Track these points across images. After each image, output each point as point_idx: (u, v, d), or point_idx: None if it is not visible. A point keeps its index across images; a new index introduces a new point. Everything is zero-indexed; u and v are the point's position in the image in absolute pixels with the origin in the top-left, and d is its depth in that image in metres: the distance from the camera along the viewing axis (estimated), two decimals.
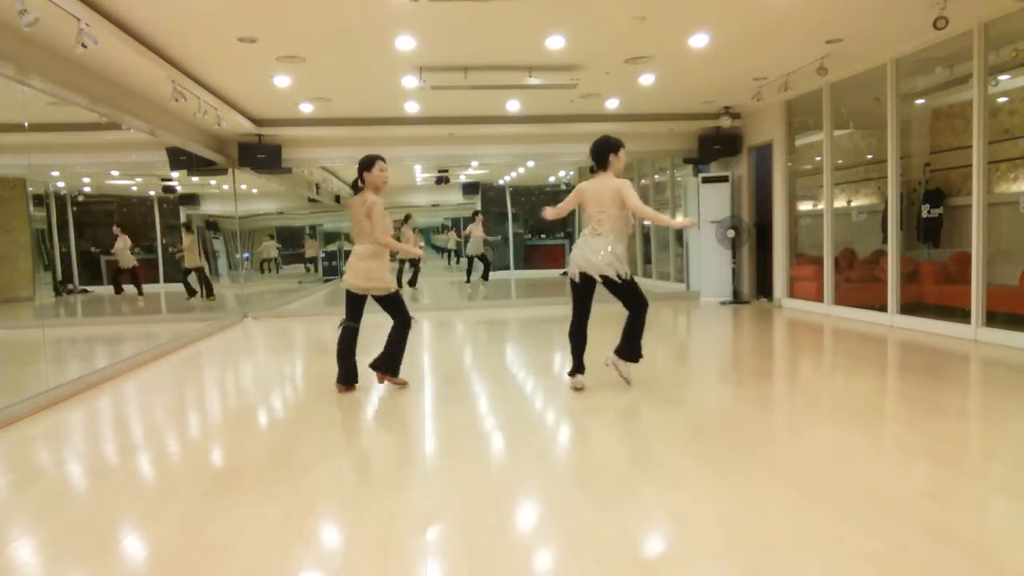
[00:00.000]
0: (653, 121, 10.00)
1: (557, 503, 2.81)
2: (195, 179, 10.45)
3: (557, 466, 3.34)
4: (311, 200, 15.31)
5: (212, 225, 12.48)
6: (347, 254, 17.16)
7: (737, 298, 10.44)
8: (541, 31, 6.06)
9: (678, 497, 2.82)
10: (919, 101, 7.84)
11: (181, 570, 2.32)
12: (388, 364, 4.98)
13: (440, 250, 20.75)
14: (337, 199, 16.34)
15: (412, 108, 9.03)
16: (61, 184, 9.56)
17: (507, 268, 13.77)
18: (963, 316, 6.44)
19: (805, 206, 9.46)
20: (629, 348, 4.78)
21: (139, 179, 10.73)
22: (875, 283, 7.78)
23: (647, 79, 7.78)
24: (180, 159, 8.91)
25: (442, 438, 3.84)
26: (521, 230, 16.84)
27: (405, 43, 6.16)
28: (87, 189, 10.20)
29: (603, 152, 4.70)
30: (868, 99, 7.84)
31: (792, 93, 8.49)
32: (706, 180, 10.59)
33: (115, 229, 9.71)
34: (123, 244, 9.68)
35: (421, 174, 14.70)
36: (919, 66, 7.28)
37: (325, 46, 6.23)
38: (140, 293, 9.95)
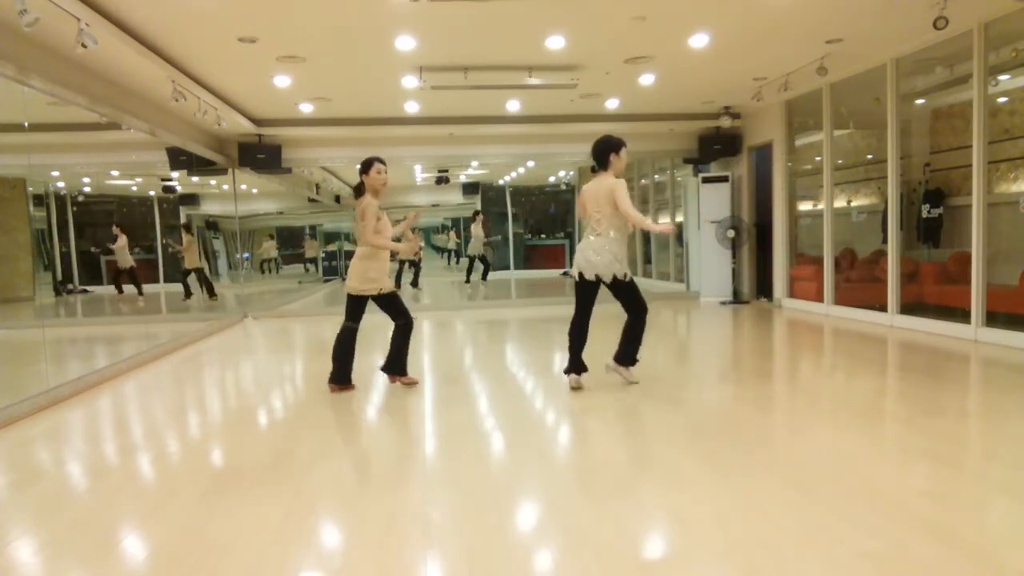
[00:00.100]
0: (653, 121, 10.00)
1: (557, 503, 2.81)
2: (195, 179, 10.45)
3: (557, 466, 3.34)
4: (311, 200, 15.31)
5: (212, 225, 12.48)
6: (347, 254, 17.06)
7: (737, 298, 10.44)
8: (541, 31, 6.06)
9: (678, 497, 2.82)
10: (919, 101, 7.84)
11: (181, 570, 2.32)
12: (394, 365, 5.03)
13: (440, 250, 20.75)
14: (337, 199, 16.34)
15: (412, 108, 9.03)
16: (61, 184, 9.56)
17: (507, 268, 13.77)
18: (963, 316, 6.44)
19: (805, 206, 9.47)
20: (626, 352, 4.82)
21: (139, 179, 10.73)
22: (875, 283, 7.78)
23: (647, 79, 7.78)
24: (180, 159, 8.91)
25: (442, 438, 3.84)
26: (521, 230, 16.84)
27: (405, 43, 6.16)
28: (87, 189, 10.20)
29: (604, 152, 4.69)
30: (868, 99, 7.84)
31: (792, 93, 8.49)
32: (706, 180, 10.59)
33: (114, 229, 9.71)
34: (122, 244, 9.67)
35: (421, 174, 14.69)
36: (919, 66, 7.28)
37: (325, 46, 6.23)
38: (140, 293, 9.95)
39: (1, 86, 5.04)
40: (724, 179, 10.51)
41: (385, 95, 8.29)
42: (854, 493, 2.79)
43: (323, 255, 18.14)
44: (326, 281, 16.98)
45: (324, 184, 14.68)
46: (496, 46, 6.47)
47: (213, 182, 10.52)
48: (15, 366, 6.63)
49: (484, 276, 13.79)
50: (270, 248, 16.93)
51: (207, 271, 11.02)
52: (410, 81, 7.45)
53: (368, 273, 4.81)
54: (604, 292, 4.70)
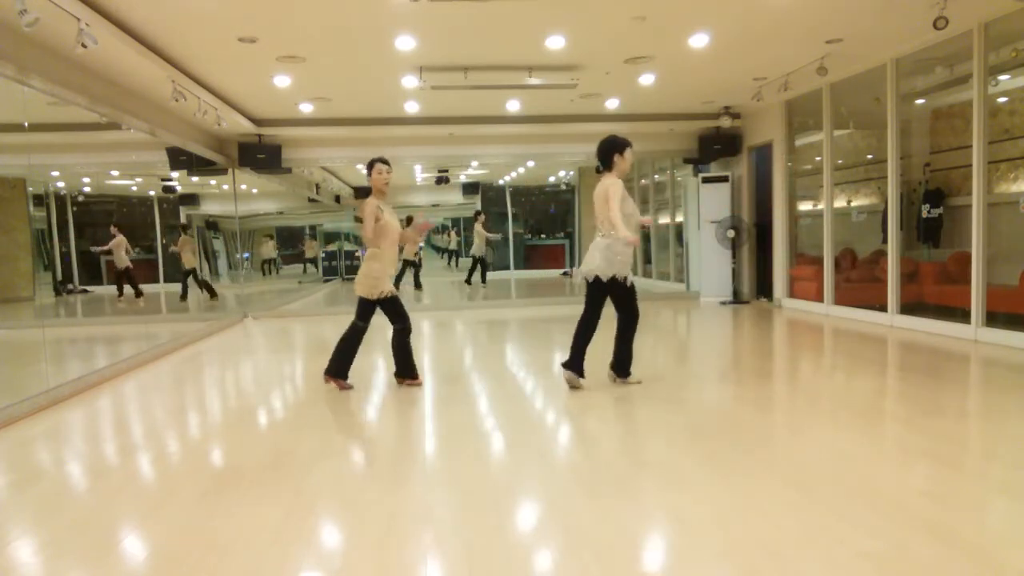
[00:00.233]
0: (653, 121, 10.00)
1: (557, 503, 2.81)
2: (195, 179, 10.46)
3: (557, 466, 3.34)
4: (311, 200, 15.32)
5: (212, 225, 12.48)
6: (347, 254, 17.05)
7: (737, 298, 10.44)
8: (541, 31, 6.06)
9: (678, 497, 2.82)
10: (919, 101, 7.84)
11: (181, 570, 2.32)
12: (400, 370, 5.07)
13: (440, 250, 20.75)
14: (337, 199, 16.35)
15: (412, 108, 9.03)
16: (61, 184, 9.56)
17: (507, 268, 13.76)
18: (963, 316, 6.44)
19: (805, 206, 9.47)
20: (620, 362, 4.86)
21: (139, 179, 10.74)
22: (875, 283, 7.78)
23: (647, 79, 7.78)
24: (180, 159, 8.91)
25: (442, 438, 3.84)
26: (521, 230, 16.84)
27: (405, 43, 6.16)
28: (87, 189, 10.21)
29: (607, 152, 4.71)
30: (868, 99, 7.84)
31: (792, 93, 8.49)
32: (706, 180, 10.59)
33: (112, 229, 9.70)
34: (118, 244, 9.63)
35: (421, 174, 14.70)
36: (919, 66, 7.28)
37: (325, 46, 6.23)
38: (138, 295, 9.91)
39: (1, 86, 5.05)
40: (724, 179, 10.51)
41: (385, 95, 8.29)
42: (854, 493, 2.79)
43: (323, 255, 18.15)
44: (326, 281, 16.98)
45: (324, 184, 14.68)
46: (496, 46, 6.47)
47: (213, 182, 10.53)
48: (15, 366, 6.63)
49: (483, 278, 13.77)
50: (269, 248, 16.94)
51: (198, 273, 10.94)
52: (410, 81, 7.45)
53: (371, 274, 4.82)
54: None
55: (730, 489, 2.89)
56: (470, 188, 16.28)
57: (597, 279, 4.63)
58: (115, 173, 10.23)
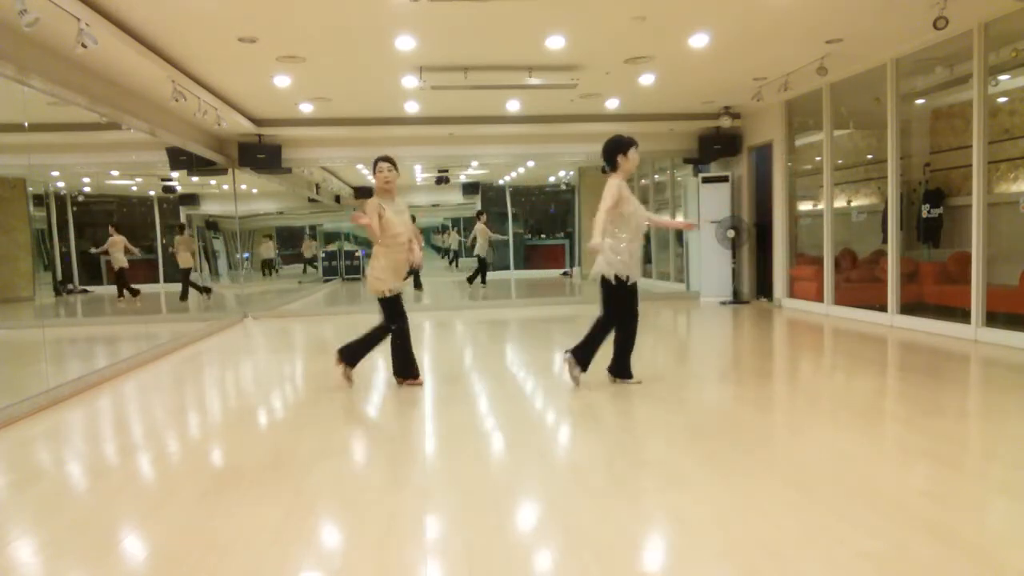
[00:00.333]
0: (653, 121, 10.00)
1: (557, 503, 2.81)
2: (195, 179, 10.45)
3: (557, 466, 3.34)
4: (311, 200, 15.32)
5: (212, 225, 12.48)
6: (347, 254, 16.98)
7: (737, 298, 10.44)
8: (541, 31, 6.06)
9: (678, 497, 2.82)
10: (919, 101, 7.84)
11: (181, 570, 2.32)
12: (397, 369, 5.09)
13: (440, 250, 20.75)
14: (337, 199, 16.35)
15: (412, 108, 9.03)
16: (61, 184, 9.56)
17: (507, 268, 13.75)
18: (963, 316, 6.44)
19: (805, 206, 9.46)
20: (620, 363, 4.86)
21: (139, 179, 10.73)
22: (875, 283, 7.78)
23: (647, 79, 7.78)
24: (180, 159, 8.91)
25: (442, 438, 3.84)
26: (521, 230, 16.83)
27: (405, 43, 6.16)
28: (87, 189, 10.21)
29: (611, 153, 4.72)
30: (868, 99, 7.84)
31: (792, 93, 8.49)
32: (706, 180, 10.59)
33: (110, 229, 9.69)
34: (115, 243, 9.60)
35: (421, 174, 14.69)
36: (919, 66, 7.28)
37: (325, 46, 6.23)
38: (133, 295, 9.84)
39: (1, 86, 5.05)
40: (724, 179, 10.52)
41: (385, 95, 8.29)
42: (854, 493, 2.79)
43: (323, 255, 18.14)
44: (326, 281, 16.98)
45: (324, 184, 14.68)
46: (496, 46, 6.47)
47: (213, 182, 10.52)
48: (15, 366, 6.63)
49: (483, 279, 13.75)
50: (268, 248, 16.91)
51: (190, 274, 10.86)
52: (410, 81, 7.45)
53: (374, 272, 4.86)
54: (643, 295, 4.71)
55: (730, 489, 2.89)
56: (470, 188, 16.27)
57: (604, 278, 4.67)
58: (115, 173, 10.23)
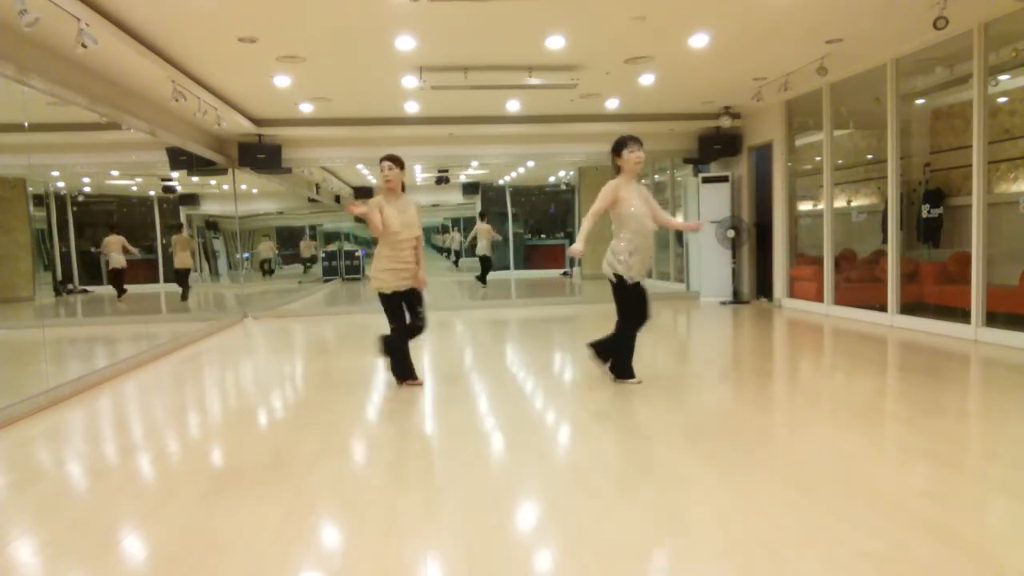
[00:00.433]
0: (653, 121, 10.00)
1: (557, 503, 2.81)
2: (195, 179, 10.45)
3: (557, 466, 3.34)
4: (311, 200, 15.32)
5: (212, 225, 12.47)
6: (347, 254, 16.92)
7: (737, 298, 10.44)
8: (541, 31, 6.06)
9: (678, 497, 2.82)
10: (919, 101, 7.84)
11: (181, 570, 2.32)
12: (394, 371, 5.09)
13: (440, 250, 20.74)
14: (337, 199, 16.34)
15: (412, 108, 9.03)
16: (61, 184, 9.56)
17: (507, 268, 13.75)
18: (963, 316, 6.44)
19: (805, 206, 9.46)
20: (619, 364, 4.87)
21: (139, 179, 10.73)
22: (875, 283, 7.78)
23: (647, 79, 7.78)
24: (180, 159, 8.91)
25: (442, 438, 3.84)
26: (521, 230, 16.82)
27: (405, 43, 6.16)
28: (87, 189, 10.20)
29: (610, 156, 4.78)
30: (868, 99, 7.84)
31: (792, 93, 8.49)
32: (706, 180, 10.59)
33: (109, 230, 9.68)
34: (113, 243, 9.58)
35: (421, 174, 14.69)
36: (919, 66, 7.28)
37: (325, 46, 6.23)
38: (119, 294, 9.80)
39: (1, 86, 5.05)
40: (724, 179, 10.51)
41: (385, 95, 8.29)
42: (854, 493, 2.79)
43: (323, 255, 18.13)
44: (326, 281, 16.97)
45: (324, 184, 14.68)
46: (496, 46, 6.47)
47: (213, 182, 10.52)
48: (15, 366, 6.63)
49: (483, 279, 13.75)
50: (267, 248, 16.89)
51: (182, 273, 10.82)
52: (410, 81, 7.45)
53: (373, 270, 4.90)
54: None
55: (730, 489, 2.89)
56: (470, 188, 16.27)
57: (611, 278, 4.70)
58: (115, 173, 10.22)
